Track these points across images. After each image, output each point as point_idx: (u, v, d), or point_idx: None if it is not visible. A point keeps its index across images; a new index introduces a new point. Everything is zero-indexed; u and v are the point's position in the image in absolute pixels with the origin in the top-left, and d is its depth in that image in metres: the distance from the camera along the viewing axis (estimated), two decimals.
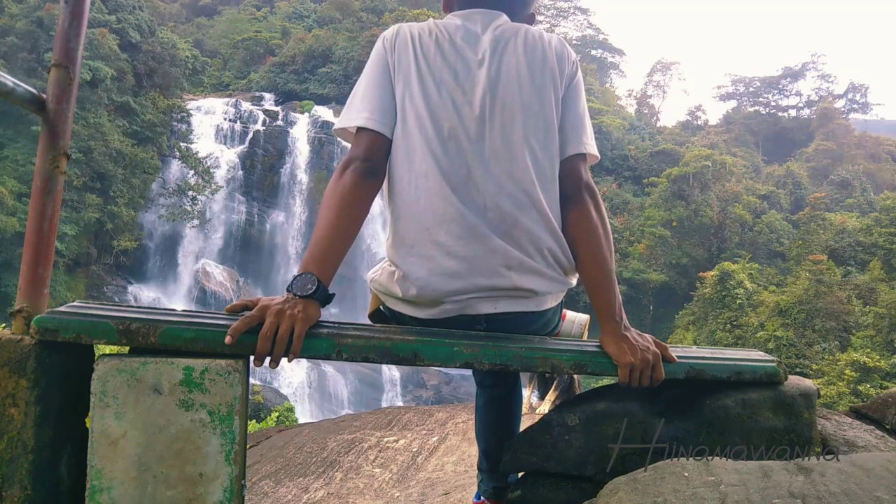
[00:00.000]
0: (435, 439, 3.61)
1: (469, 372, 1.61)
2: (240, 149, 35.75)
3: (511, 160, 1.48)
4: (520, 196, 1.48)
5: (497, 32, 1.56)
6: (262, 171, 35.28)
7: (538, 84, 1.53)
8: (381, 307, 1.65)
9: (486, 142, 1.48)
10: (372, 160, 1.48)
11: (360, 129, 1.50)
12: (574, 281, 1.60)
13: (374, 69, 1.54)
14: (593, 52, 67.21)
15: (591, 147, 1.58)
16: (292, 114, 38.57)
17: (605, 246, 1.52)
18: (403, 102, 1.50)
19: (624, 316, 1.48)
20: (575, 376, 2.26)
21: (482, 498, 1.87)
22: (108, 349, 2.48)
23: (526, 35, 1.57)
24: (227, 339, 1.23)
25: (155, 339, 1.24)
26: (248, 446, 1.73)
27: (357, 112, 1.51)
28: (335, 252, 1.41)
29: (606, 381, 1.44)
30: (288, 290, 1.35)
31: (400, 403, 24.72)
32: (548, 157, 1.53)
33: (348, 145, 1.56)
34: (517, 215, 1.47)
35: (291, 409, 15.91)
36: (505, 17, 1.61)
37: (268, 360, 1.26)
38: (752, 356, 1.59)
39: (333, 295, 1.39)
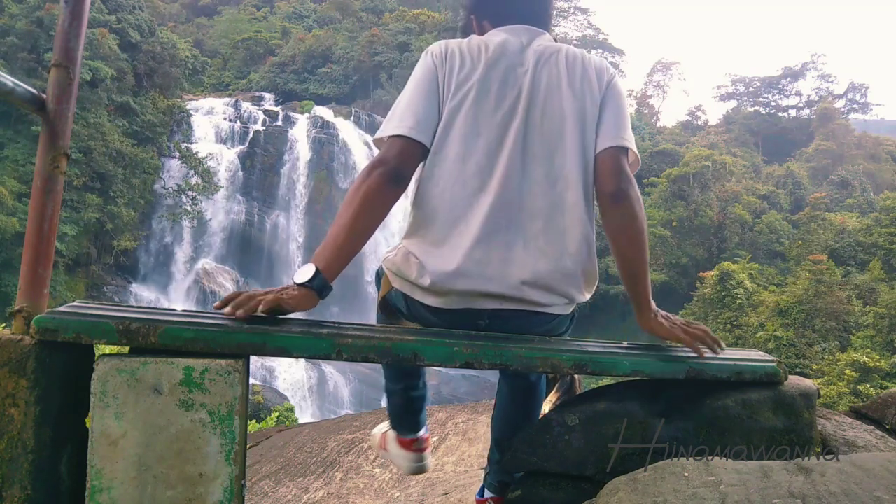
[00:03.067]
0: (435, 439, 3.61)
1: (469, 372, 1.63)
2: (240, 149, 35.74)
3: (550, 165, 1.53)
4: (556, 201, 1.52)
5: (540, 48, 1.61)
6: (262, 171, 35.27)
7: (578, 93, 1.57)
8: (390, 293, 1.66)
9: (528, 148, 1.52)
10: (401, 166, 1.49)
11: (395, 135, 1.52)
12: (588, 296, 1.62)
13: (420, 81, 1.57)
14: (593, 52, 66.93)
15: (630, 142, 1.59)
16: (292, 114, 38.58)
17: (643, 240, 1.58)
18: (450, 110, 1.53)
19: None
20: (576, 376, 2.26)
21: (485, 495, 1.87)
22: (108, 349, 2.48)
23: (567, 51, 1.62)
24: (228, 310, 1.31)
25: (155, 339, 1.24)
26: (248, 446, 1.73)
27: (399, 121, 1.52)
28: (345, 251, 1.43)
29: (606, 381, 1.44)
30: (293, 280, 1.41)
31: None
32: (586, 164, 1.56)
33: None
34: (548, 222, 1.51)
35: (291, 409, 15.93)
36: (547, 36, 1.66)
37: (232, 307, 1.32)
38: (752, 356, 1.59)
39: (331, 288, 1.42)
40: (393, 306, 1.68)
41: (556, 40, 1.67)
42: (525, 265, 1.49)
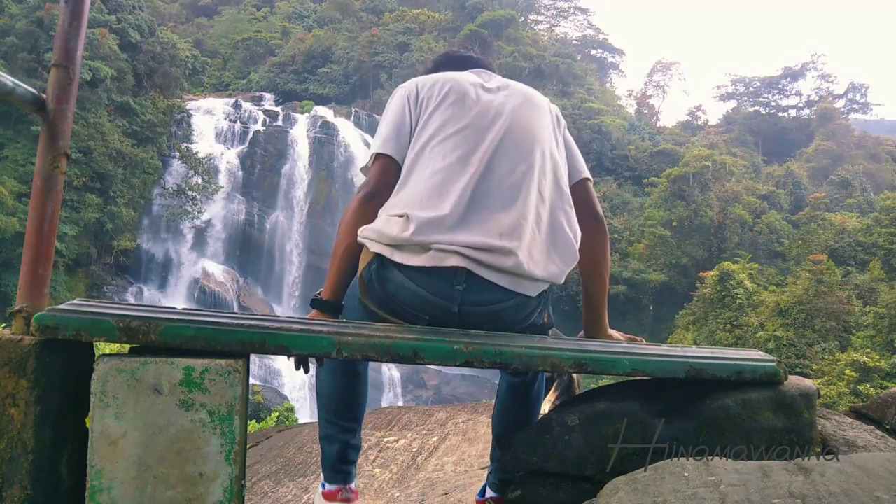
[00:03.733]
0: (435, 439, 3.61)
1: (469, 371, 1.64)
2: (240, 149, 35.76)
3: (528, 155, 1.66)
4: (532, 183, 1.63)
5: (498, 80, 1.84)
6: (261, 171, 35.28)
7: (543, 109, 1.79)
8: (367, 270, 1.64)
9: (506, 141, 1.66)
10: (376, 183, 1.68)
11: (374, 156, 1.72)
12: (564, 272, 1.64)
13: (390, 112, 1.76)
14: (593, 52, 67.21)
15: (587, 173, 1.86)
16: (292, 114, 38.60)
17: (609, 254, 1.84)
18: (427, 115, 1.70)
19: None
20: (574, 376, 2.26)
21: (486, 494, 1.87)
22: (108, 349, 2.49)
23: (523, 86, 1.86)
24: None
25: (155, 337, 1.24)
26: (248, 446, 1.73)
27: (374, 145, 1.73)
28: (341, 270, 1.68)
29: (606, 380, 1.44)
30: None
31: (400, 403, 24.72)
32: (556, 165, 1.71)
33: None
34: (527, 196, 1.61)
35: (291, 409, 15.92)
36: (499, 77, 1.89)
37: None
38: (752, 356, 1.59)
39: (341, 306, 1.68)
40: (367, 285, 1.66)
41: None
42: (504, 221, 1.57)
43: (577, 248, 1.67)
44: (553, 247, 1.63)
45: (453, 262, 1.53)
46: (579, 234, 1.70)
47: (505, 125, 1.68)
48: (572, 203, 1.72)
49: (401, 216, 1.57)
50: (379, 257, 1.60)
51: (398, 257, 1.57)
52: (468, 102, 1.71)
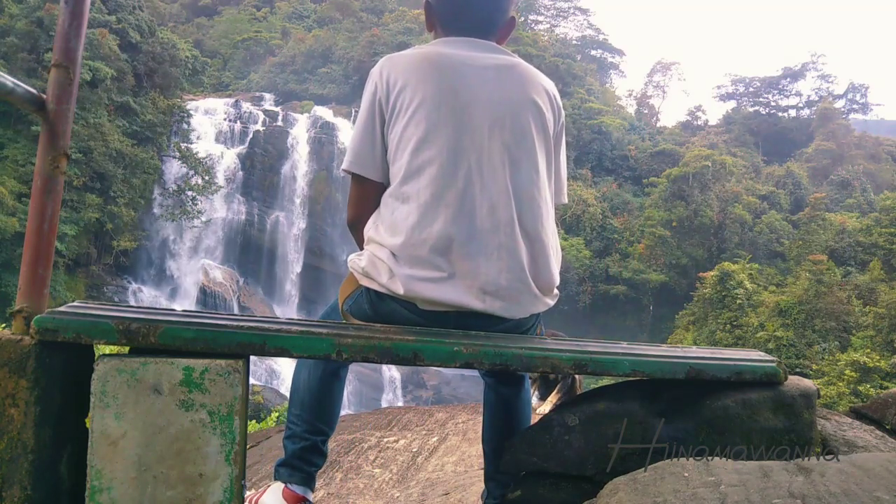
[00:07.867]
0: (435, 439, 3.61)
1: (469, 372, 1.63)
2: (240, 149, 35.75)
3: (512, 177, 1.56)
4: (514, 216, 1.55)
5: (491, 62, 1.61)
6: (261, 171, 35.28)
7: (534, 110, 1.61)
8: (356, 294, 1.65)
9: (487, 160, 1.55)
10: (356, 213, 1.67)
11: (347, 172, 1.64)
12: (550, 303, 1.65)
13: (364, 112, 1.62)
14: (593, 52, 67.16)
15: (566, 197, 1.78)
16: (292, 114, 38.58)
17: None
18: (402, 128, 1.55)
19: None
20: (576, 377, 2.27)
21: None
22: (107, 349, 2.49)
23: (522, 67, 1.65)
24: None
25: (155, 339, 1.24)
26: (248, 446, 1.72)
27: (349, 155, 1.63)
28: None
29: (606, 381, 1.44)
30: None
31: (400, 403, 24.72)
32: (545, 178, 1.62)
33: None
34: (507, 236, 1.54)
35: None
36: (495, 46, 1.67)
37: None
38: (751, 356, 1.59)
39: None
40: (358, 308, 1.66)
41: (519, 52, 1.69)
42: (488, 277, 1.52)
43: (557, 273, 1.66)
44: (536, 290, 1.59)
45: (441, 309, 1.54)
46: (560, 254, 1.68)
47: (490, 137, 1.54)
48: (555, 230, 1.65)
49: (383, 261, 1.54)
50: (368, 290, 1.60)
51: (387, 292, 1.56)
52: (447, 110, 1.53)
